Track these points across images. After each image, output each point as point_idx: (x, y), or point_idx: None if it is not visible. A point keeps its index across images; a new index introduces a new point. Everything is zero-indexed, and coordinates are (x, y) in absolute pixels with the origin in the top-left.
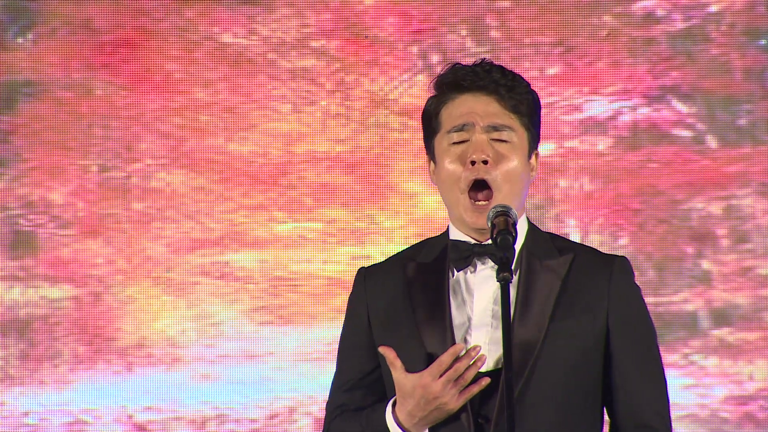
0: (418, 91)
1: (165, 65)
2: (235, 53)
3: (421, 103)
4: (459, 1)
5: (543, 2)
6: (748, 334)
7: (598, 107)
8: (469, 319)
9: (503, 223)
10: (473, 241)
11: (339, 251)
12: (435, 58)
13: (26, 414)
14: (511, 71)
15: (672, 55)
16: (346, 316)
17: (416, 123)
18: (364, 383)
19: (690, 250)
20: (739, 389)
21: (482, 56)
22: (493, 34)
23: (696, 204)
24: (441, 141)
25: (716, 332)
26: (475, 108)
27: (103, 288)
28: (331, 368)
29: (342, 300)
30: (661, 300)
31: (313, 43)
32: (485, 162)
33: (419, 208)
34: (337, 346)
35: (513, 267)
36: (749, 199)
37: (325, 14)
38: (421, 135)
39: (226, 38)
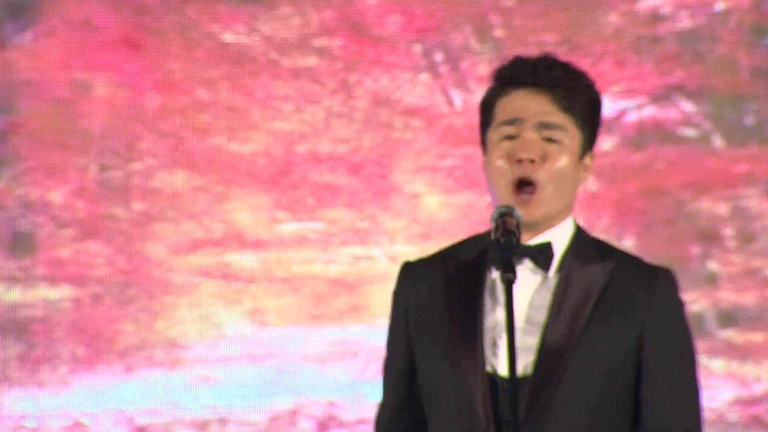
0: (422, 90)
1: (166, 64)
2: (237, 52)
3: (425, 102)
4: (463, 0)
5: (547, 0)
6: (755, 335)
7: (603, 106)
8: (501, 322)
9: (507, 224)
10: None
11: (342, 251)
12: (438, 57)
13: (24, 417)
14: (574, 69)
15: (678, 54)
16: (391, 309)
17: (420, 122)
18: (409, 376)
19: (696, 250)
20: (747, 391)
21: (486, 55)
22: (497, 32)
23: (702, 204)
24: (493, 134)
25: (723, 333)
26: (527, 104)
27: (104, 289)
28: (334, 369)
29: (345, 301)
30: None
31: (316, 42)
32: (532, 161)
33: (422, 208)
34: (340, 347)
35: (554, 270)
36: (756, 199)
37: (327, 13)
38: (424, 135)
39: (228, 37)
